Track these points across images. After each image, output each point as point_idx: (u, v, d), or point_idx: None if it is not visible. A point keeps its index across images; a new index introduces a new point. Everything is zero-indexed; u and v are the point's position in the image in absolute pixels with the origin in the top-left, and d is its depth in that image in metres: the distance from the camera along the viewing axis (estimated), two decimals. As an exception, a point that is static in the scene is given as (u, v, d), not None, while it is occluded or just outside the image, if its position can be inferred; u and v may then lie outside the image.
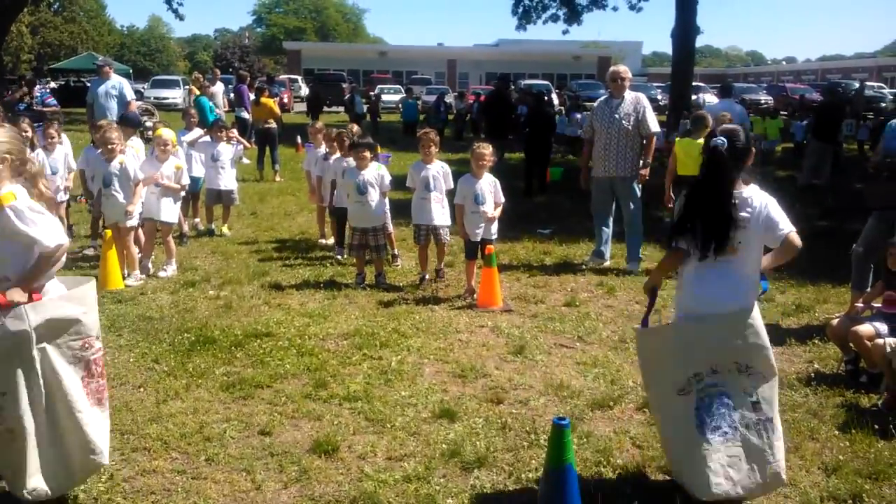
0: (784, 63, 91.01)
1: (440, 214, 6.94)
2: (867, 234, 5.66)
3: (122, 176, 6.84)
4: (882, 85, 41.70)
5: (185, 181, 7.52)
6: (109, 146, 6.85)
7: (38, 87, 16.89)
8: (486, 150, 6.57)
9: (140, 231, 7.30)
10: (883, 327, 4.54)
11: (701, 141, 7.87)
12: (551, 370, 4.98)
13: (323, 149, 8.43)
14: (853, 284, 5.79)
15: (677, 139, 8.38)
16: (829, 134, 13.22)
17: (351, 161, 7.41)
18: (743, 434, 3.19)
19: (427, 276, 7.10)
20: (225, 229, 9.15)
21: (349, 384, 4.65)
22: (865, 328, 4.57)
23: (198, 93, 15.71)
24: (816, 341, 5.45)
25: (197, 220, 9.40)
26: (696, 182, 3.40)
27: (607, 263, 7.74)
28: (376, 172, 7.02)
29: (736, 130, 3.37)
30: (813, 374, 4.89)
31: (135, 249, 7.05)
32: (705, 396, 3.21)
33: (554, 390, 4.62)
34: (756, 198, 3.29)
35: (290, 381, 4.72)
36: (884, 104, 27.14)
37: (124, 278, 6.85)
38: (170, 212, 7.32)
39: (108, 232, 6.88)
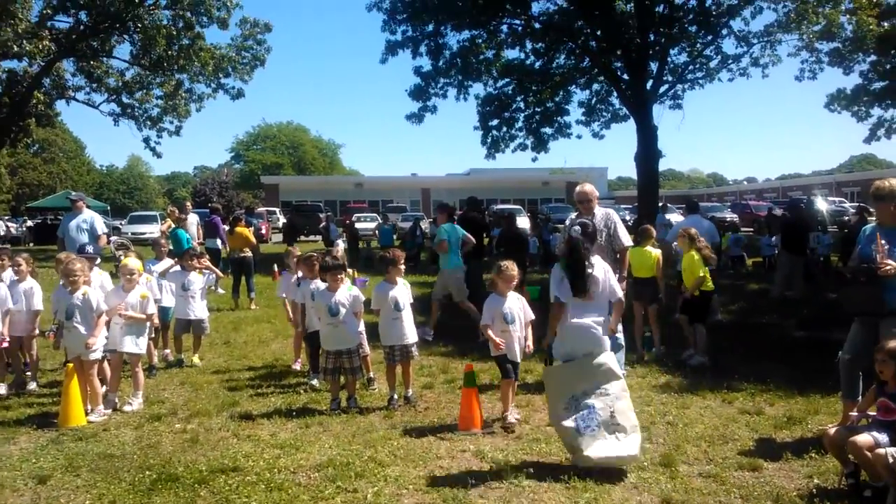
0: (745, 183, 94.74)
1: (412, 332, 6.89)
2: (852, 340, 5.56)
3: (84, 307, 6.68)
4: (843, 200, 43.27)
5: (152, 310, 7.31)
6: (72, 278, 6.73)
7: None
8: (515, 270, 6.38)
9: (106, 364, 7.02)
10: (882, 437, 4.34)
11: (647, 248, 8.79)
12: (539, 496, 4.67)
13: (299, 273, 8.34)
14: (843, 393, 5.62)
15: (630, 249, 8.64)
16: (798, 247, 13.47)
17: (320, 283, 7.34)
18: (604, 431, 5.00)
19: (396, 397, 6.84)
20: (196, 359, 8.86)
21: (322, 520, 4.31)
22: (864, 438, 4.37)
23: (174, 225, 15.82)
24: (813, 454, 5.22)
25: (167, 351, 9.10)
26: (566, 255, 5.28)
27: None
28: (348, 294, 6.90)
29: (585, 222, 5.44)
30: (814, 490, 4.63)
31: (98, 384, 6.75)
32: (581, 410, 5.06)
33: (543, 518, 4.31)
34: (600, 265, 5.29)
35: (257, 520, 4.36)
36: (846, 217, 28.00)
37: (87, 414, 6.52)
38: (137, 343, 7.06)
39: (70, 366, 6.61)
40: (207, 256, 12.23)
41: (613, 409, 5.06)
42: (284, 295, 8.82)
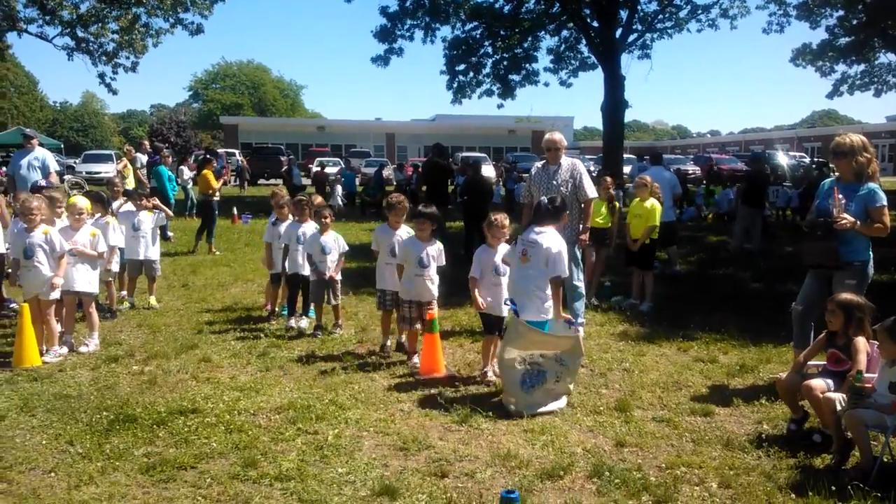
0: (709, 136, 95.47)
1: None
2: (805, 291, 5.69)
3: (47, 247, 6.51)
4: (803, 155, 43.91)
5: (103, 248, 7.16)
6: (30, 216, 6.52)
7: None
8: (506, 221, 6.07)
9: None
10: (831, 385, 4.48)
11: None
12: (498, 439, 4.75)
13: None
14: (795, 343, 5.76)
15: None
16: (757, 200, 13.66)
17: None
18: (542, 393, 5.30)
19: (389, 344, 6.82)
20: (153, 301, 8.71)
21: (281, 462, 4.33)
22: (818, 382, 4.49)
23: (130, 166, 15.51)
24: (763, 401, 5.37)
25: (124, 292, 8.92)
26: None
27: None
28: (435, 248, 6.60)
29: (554, 196, 5.99)
30: (763, 436, 4.78)
31: (55, 324, 6.62)
32: (530, 368, 5.29)
33: (501, 460, 4.39)
34: (551, 237, 5.54)
35: (216, 461, 4.36)
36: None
37: (42, 355, 6.41)
38: (89, 281, 6.92)
39: (25, 305, 6.44)
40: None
41: (559, 378, 5.36)
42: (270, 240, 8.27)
